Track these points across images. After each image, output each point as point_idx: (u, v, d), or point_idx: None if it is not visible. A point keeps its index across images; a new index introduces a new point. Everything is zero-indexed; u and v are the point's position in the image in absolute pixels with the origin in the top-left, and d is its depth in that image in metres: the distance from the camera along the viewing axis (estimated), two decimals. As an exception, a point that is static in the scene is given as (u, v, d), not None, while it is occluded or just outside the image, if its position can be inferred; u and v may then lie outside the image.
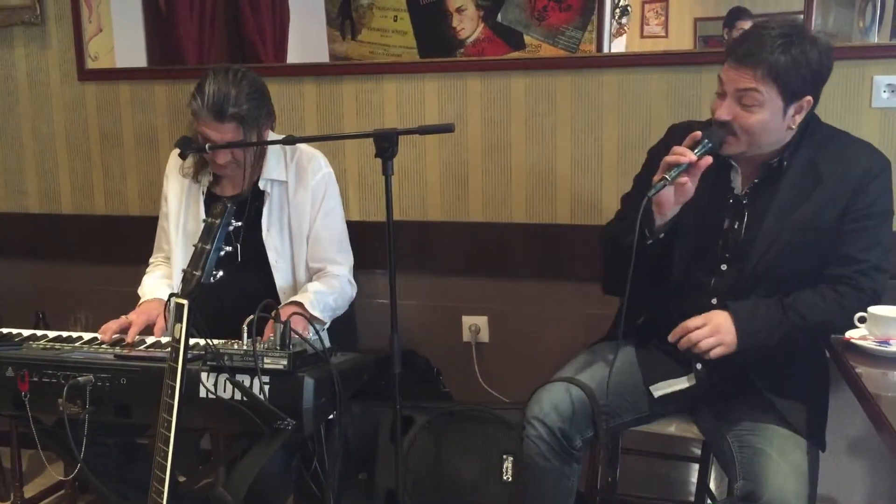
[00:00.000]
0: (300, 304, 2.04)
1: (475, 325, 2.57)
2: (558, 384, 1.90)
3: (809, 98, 1.76)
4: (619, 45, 2.45)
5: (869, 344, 1.68)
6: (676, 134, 1.95)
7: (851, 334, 1.73)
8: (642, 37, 2.47)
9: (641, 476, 2.45)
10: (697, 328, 1.76)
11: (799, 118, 1.77)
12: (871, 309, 1.72)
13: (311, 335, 1.89)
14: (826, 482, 2.36)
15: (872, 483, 2.35)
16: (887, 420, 1.38)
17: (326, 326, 2.12)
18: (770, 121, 1.74)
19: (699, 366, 1.88)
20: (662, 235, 1.81)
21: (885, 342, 1.67)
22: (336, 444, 1.92)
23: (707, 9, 2.50)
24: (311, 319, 2.01)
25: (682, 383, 1.91)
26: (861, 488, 2.37)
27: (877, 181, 1.79)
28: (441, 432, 2.27)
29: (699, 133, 1.75)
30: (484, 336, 2.57)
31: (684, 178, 1.73)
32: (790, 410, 1.79)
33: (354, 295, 2.26)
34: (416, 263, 2.51)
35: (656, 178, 1.75)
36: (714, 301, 1.85)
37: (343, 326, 2.26)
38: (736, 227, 1.85)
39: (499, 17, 2.45)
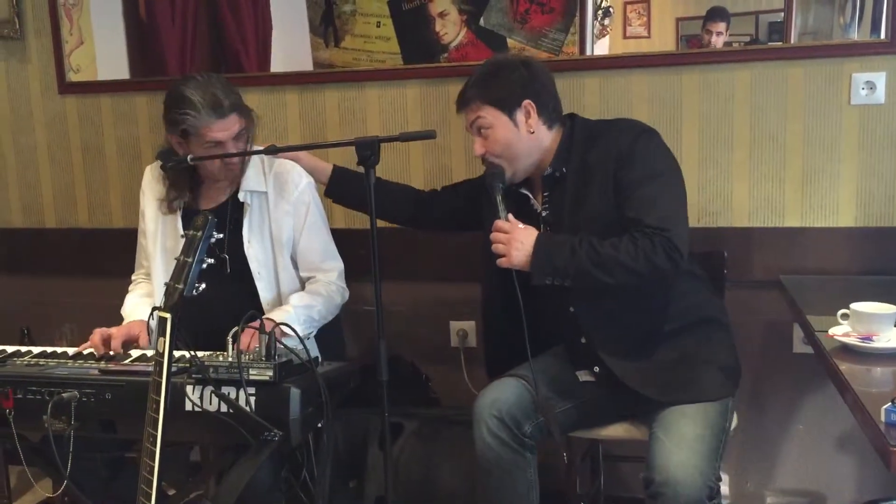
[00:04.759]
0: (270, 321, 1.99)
1: (462, 331, 2.57)
2: (498, 381, 2.00)
3: (528, 101, 1.94)
4: (602, 46, 2.45)
5: (852, 340, 1.69)
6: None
7: (834, 331, 1.73)
8: (625, 37, 2.48)
9: (627, 478, 2.46)
10: (504, 233, 1.87)
11: (534, 122, 1.95)
12: (854, 305, 1.72)
13: (296, 345, 1.88)
14: (815, 478, 2.40)
15: (860, 479, 2.37)
16: (871, 417, 1.39)
17: (311, 335, 2.11)
18: (506, 133, 1.94)
19: (596, 368, 1.99)
20: None
21: (868, 338, 1.68)
22: (325, 453, 1.91)
23: (689, 8, 2.51)
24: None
25: (590, 376, 2.02)
26: (849, 484, 2.38)
27: (637, 147, 1.88)
28: (430, 438, 2.26)
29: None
30: (472, 341, 2.57)
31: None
32: (692, 382, 1.88)
33: (346, 299, 2.26)
34: (402, 270, 2.51)
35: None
36: (572, 309, 1.95)
37: (330, 334, 2.26)
38: None
39: (481, 21, 2.45)
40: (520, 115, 1.94)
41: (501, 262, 1.87)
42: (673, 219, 1.83)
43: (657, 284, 1.88)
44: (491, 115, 1.94)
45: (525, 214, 1.96)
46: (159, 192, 2.20)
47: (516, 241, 1.86)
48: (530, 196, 2.04)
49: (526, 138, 1.95)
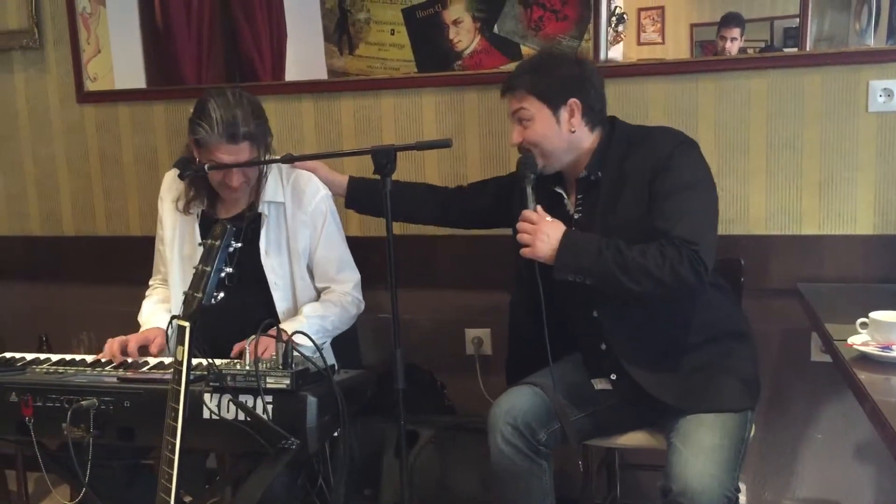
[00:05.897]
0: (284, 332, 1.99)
1: (478, 338, 2.57)
2: (513, 389, 1.99)
3: (575, 100, 1.92)
4: (616, 53, 2.45)
5: (871, 349, 1.67)
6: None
7: (853, 340, 1.72)
8: (639, 44, 2.48)
9: (644, 487, 2.45)
10: (531, 223, 1.86)
11: (577, 121, 1.93)
12: (873, 314, 1.71)
13: (314, 354, 1.88)
14: (833, 487, 2.38)
15: (879, 488, 2.35)
16: (890, 426, 1.38)
17: (325, 344, 2.12)
18: (546, 128, 1.93)
19: (614, 376, 1.98)
20: None
21: (888, 347, 1.67)
22: (341, 461, 1.92)
23: (703, 14, 2.51)
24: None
25: (607, 384, 2.01)
26: (868, 493, 2.36)
27: (674, 157, 1.87)
28: (446, 446, 2.27)
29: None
30: (487, 348, 2.57)
31: None
32: (712, 391, 1.87)
33: (362, 310, 2.26)
34: (418, 278, 2.51)
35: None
36: (595, 314, 1.95)
37: (346, 343, 2.26)
38: None
39: (495, 29, 2.46)
40: (564, 113, 1.92)
41: (525, 251, 1.86)
42: (701, 232, 1.81)
43: (682, 296, 1.86)
44: (534, 108, 1.92)
45: (557, 215, 1.93)
46: (178, 194, 2.21)
47: (542, 232, 1.85)
48: (564, 196, 2.02)
49: (566, 136, 1.94)
